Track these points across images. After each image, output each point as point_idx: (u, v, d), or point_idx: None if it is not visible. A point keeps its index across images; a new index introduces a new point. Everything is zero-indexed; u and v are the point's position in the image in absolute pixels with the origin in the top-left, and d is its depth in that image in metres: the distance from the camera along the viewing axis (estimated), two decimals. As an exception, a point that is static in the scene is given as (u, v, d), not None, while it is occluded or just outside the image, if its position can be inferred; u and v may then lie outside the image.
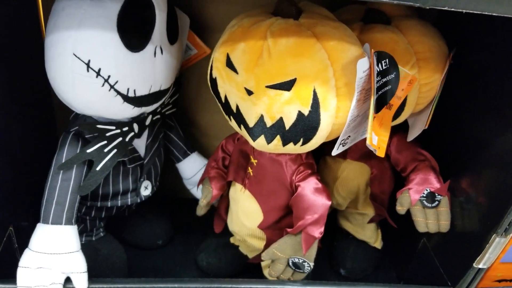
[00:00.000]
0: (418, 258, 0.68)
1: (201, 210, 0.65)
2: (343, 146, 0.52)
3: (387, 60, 0.46)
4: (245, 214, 0.62)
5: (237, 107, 0.51)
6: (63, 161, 0.53)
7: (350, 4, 0.64)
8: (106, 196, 0.60)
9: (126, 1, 0.47)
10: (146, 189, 0.64)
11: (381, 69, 0.46)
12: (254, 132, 0.50)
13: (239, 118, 0.51)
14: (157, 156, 0.65)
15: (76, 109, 0.53)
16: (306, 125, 0.47)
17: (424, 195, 0.58)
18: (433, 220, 0.59)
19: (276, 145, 0.50)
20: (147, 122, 0.59)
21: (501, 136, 0.53)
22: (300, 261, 0.56)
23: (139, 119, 0.57)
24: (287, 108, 0.47)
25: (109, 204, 0.61)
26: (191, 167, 0.71)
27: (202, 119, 0.75)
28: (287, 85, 0.46)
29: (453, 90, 0.60)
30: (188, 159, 0.70)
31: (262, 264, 0.65)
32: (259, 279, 0.59)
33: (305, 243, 0.55)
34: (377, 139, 0.48)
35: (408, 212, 0.60)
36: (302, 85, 0.45)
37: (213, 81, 0.52)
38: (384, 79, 0.47)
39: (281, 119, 0.48)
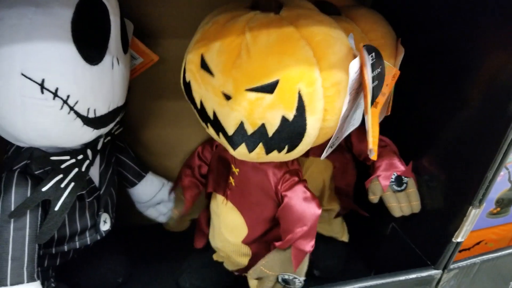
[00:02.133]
0: (389, 243, 0.69)
1: (172, 221, 0.60)
2: (331, 148, 0.49)
3: (373, 54, 0.43)
4: (228, 229, 0.57)
5: (214, 113, 0.46)
6: (12, 206, 0.44)
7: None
8: (62, 239, 0.51)
9: (78, 6, 0.40)
10: (105, 223, 0.56)
11: (370, 62, 0.43)
12: (234, 141, 0.45)
13: (217, 126, 0.46)
14: (112, 186, 0.57)
15: (24, 142, 0.44)
16: (291, 131, 0.43)
17: (393, 179, 0.59)
18: (405, 202, 0.60)
19: (259, 154, 0.46)
20: (99, 146, 0.52)
21: (456, 112, 0.54)
22: (291, 277, 0.52)
23: (92, 144, 0.50)
24: (270, 113, 0.42)
25: (65, 248, 0.52)
26: (149, 190, 0.64)
27: (147, 136, 0.68)
28: (269, 88, 0.41)
29: (405, 73, 0.61)
30: (144, 181, 0.63)
31: (249, 281, 0.60)
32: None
33: (295, 259, 0.51)
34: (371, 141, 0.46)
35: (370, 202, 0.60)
36: (285, 86, 0.41)
37: (187, 86, 0.47)
38: (372, 74, 0.44)
39: (263, 125, 0.43)
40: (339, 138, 0.50)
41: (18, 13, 0.38)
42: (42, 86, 0.39)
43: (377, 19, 0.57)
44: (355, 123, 0.48)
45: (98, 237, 0.55)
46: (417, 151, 0.61)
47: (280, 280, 0.52)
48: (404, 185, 0.59)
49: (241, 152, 0.46)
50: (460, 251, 0.71)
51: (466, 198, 0.54)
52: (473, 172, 0.53)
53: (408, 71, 0.60)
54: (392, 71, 0.47)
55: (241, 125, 0.44)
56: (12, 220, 0.44)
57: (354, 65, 0.42)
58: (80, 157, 0.47)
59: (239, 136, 0.45)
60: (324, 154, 0.49)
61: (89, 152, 0.49)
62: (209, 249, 0.64)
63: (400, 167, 0.59)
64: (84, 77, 0.41)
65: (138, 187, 0.63)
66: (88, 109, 0.43)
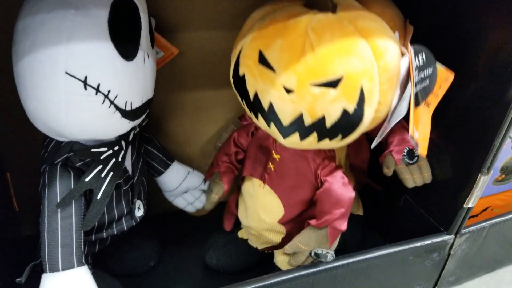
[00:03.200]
0: (403, 214, 0.72)
1: (210, 205, 0.63)
2: (380, 137, 0.52)
3: (423, 54, 0.46)
4: (265, 210, 0.60)
5: (271, 105, 0.48)
6: (58, 197, 0.47)
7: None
8: (101, 226, 0.55)
9: (113, 6, 0.43)
10: (139, 210, 0.59)
11: (418, 64, 0.46)
12: (287, 130, 0.49)
13: (272, 116, 0.49)
14: (143, 175, 0.60)
15: (65, 137, 0.47)
16: (349, 122, 0.47)
17: (405, 153, 0.62)
18: (418, 174, 0.63)
19: (311, 142, 0.49)
20: (131, 137, 0.54)
21: (463, 86, 0.57)
22: (324, 252, 0.55)
23: (125, 136, 0.53)
24: (332, 106, 0.46)
25: (104, 234, 0.55)
26: (175, 178, 0.67)
27: (168, 126, 0.71)
28: (333, 83, 0.44)
29: None
30: (170, 170, 0.66)
31: (277, 257, 0.64)
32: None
33: (331, 237, 0.55)
34: (417, 135, 0.49)
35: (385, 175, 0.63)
36: (349, 82, 0.45)
37: (240, 79, 0.49)
38: (422, 74, 0.47)
39: (323, 117, 0.47)
40: (387, 128, 0.52)
41: (58, 16, 0.41)
42: (85, 83, 0.42)
43: (386, 3, 0.60)
44: (401, 113, 0.51)
45: (133, 223, 0.59)
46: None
47: (312, 254, 0.56)
48: (416, 158, 0.62)
49: (292, 141, 0.50)
50: (468, 218, 0.75)
51: (475, 166, 0.57)
52: (481, 141, 0.56)
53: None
54: (444, 74, 0.50)
55: (300, 116, 0.47)
56: (59, 210, 0.47)
57: (404, 62, 0.46)
58: (116, 148, 0.50)
59: (294, 126, 0.48)
60: (374, 144, 0.53)
61: (123, 143, 0.52)
62: (233, 228, 0.67)
63: (411, 142, 0.62)
64: (122, 72, 0.44)
65: (165, 176, 0.66)
66: (126, 102, 0.46)
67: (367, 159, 0.71)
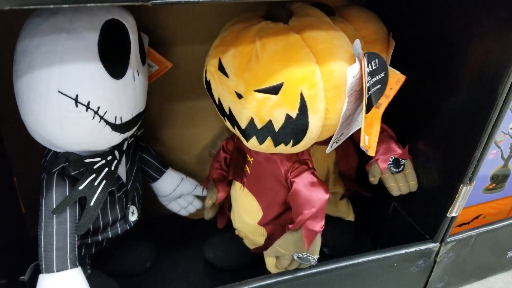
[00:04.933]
0: (392, 221, 0.74)
1: (208, 213, 0.65)
2: (336, 143, 0.54)
3: (376, 60, 0.48)
4: (246, 212, 0.63)
5: (230, 109, 0.52)
6: (54, 204, 0.51)
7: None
8: (96, 230, 0.58)
9: (103, 30, 0.46)
10: (133, 215, 0.63)
11: (371, 69, 0.47)
12: (246, 133, 0.51)
13: (232, 120, 0.52)
14: (137, 181, 0.64)
15: (62, 148, 0.51)
16: (295, 127, 0.48)
17: (390, 162, 0.63)
18: (403, 182, 0.65)
19: (268, 146, 0.52)
20: (124, 147, 0.58)
21: (447, 97, 0.58)
22: (305, 255, 0.57)
23: (118, 146, 0.56)
24: (275, 111, 0.48)
25: (100, 237, 0.59)
26: (169, 184, 0.70)
27: (165, 134, 0.74)
28: (274, 89, 0.47)
29: (398, 64, 0.65)
30: (165, 176, 0.69)
31: (266, 258, 0.67)
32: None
33: (306, 238, 0.56)
34: (368, 139, 0.50)
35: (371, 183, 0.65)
36: (289, 89, 0.46)
37: (207, 84, 0.53)
38: (374, 79, 0.48)
39: (270, 121, 0.49)
40: (345, 135, 0.54)
41: (52, 39, 0.44)
42: (76, 100, 0.45)
43: (368, 16, 0.61)
44: (359, 122, 0.53)
45: (128, 227, 0.62)
46: (413, 135, 0.65)
47: (295, 258, 0.58)
48: (402, 166, 0.64)
49: (253, 144, 0.52)
50: (460, 225, 0.76)
51: (457, 176, 0.58)
52: (462, 152, 0.57)
53: (402, 61, 0.62)
54: (396, 76, 0.51)
55: (252, 120, 0.50)
56: (54, 215, 0.50)
57: (353, 70, 0.47)
58: (109, 158, 0.54)
59: (251, 129, 0.51)
60: (329, 149, 0.54)
61: (116, 153, 0.55)
62: (230, 228, 0.70)
63: (397, 150, 0.64)
64: (111, 90, 0.47)
65: (159, 182, 0.69)
66: (116, 117, 0.49)
67: (355, 166, 0.73)
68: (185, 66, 0.67)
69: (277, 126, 0.49)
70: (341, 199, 0.75)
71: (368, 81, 0.48)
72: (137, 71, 0.51)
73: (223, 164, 0.66)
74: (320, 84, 0.47)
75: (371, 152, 0.52)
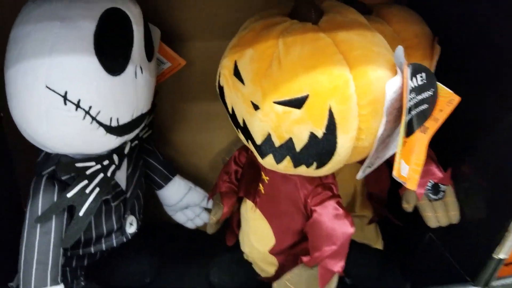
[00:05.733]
0: (426, 254, 0.66)
1: (211, 228, 0.60)
2: (369, 168, 0.47)
3: (423, 74, 0.40)
4: (256, 236, 0.56)
5: (244, 121, 0.45)
6: (39, 211, 0.46)
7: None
8: (88, 241, 0.53)
9: (102, 18, 0.41)
10: (131, 226, 0.57)
11: (416, 84, 0.40)
12: (262, 150, 0.45)
13: (246, 133, 0.46)
14: (139, 188, 0.58)
15: (50, 149, 0.45)
16: (320, 148, 0.41)
17: (429, 187, 0.56)
18: (442, 212, 0.57)
19: (286, 166, 0.44)
20: (126, 150, 0.52)
21: (501, 114, 0.51)
22: None
23: (118, 149, 0.50)
24: (298, 128, 0.41)
25: (92, 250, 0.54)
26: (175, 193, 0.64)
27: (178, 138, 0.69)
28: (297, 102, 0.39)
29: (443, 74, 0.58)
30: (171, 184, 0.63)
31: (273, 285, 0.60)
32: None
33: (322, 279, 0.49)
34: (407, 169, 0.43)
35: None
36: (315, 102, 0.39)
37: (221, 90, 0.47)
38: (420, 97, 0.41)
39: (290, 139, 0.42)
40: (380, 159, 0.47)
41: (44, 28, 0.39)
42: (65, 97, 0.40)
43: (410, 17, 0.55)
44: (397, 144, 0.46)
45: (124, 239, 0.57)
46: (457, 156, 0.58)
47: None
48: (442, 193, 0.57)
49: (269, 162, 0.45)
50: (506, 264, 0.68)
51: (509, 210, 0.51)
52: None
53: (448, 71, 0.57)
54: (448, 96, 0.43)
55: (269, 136, 0.43)
56: (38, 224, 0.45)
57: (393, 84, 0.39)
58: (105, 162, 0.48)
59: (267, 146, 0.44)
60: (360, 174, 0.47)
61: (115, 157, 0.50)
62: (239, 247, 0.64)
63: (437, 173, 0.56)
64: (106, 87, 0.42)
65: (165, 190, 0.64)
66: (111, 118, 0.43)
67: (387, 188, 0.65)
68: (201, 64, 0.62)
69: (298, 145, 0.42)
70: (369, 223, 0.68)
71: (410, 99, 0.40)
72: (141, 68, 0.46)
73: (233, 177, 0.59)
74: (353, 98, 0.39)
75: (411, 185, 0.44)
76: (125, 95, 0.44)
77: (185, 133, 0.68)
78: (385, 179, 0.64)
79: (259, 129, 0.43)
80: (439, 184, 0.56)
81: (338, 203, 0.50)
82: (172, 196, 0.64)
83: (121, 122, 0.45)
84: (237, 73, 0.43)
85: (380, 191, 0.65)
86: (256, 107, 0.42)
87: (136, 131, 0.50)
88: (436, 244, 0.63)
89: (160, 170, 0.62)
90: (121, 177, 0.54)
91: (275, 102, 0.40)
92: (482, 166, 0.55)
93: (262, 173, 0.53)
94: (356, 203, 0.67)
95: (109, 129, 0.44)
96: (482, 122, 0.54)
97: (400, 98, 0.40)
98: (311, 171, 0.44)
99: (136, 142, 0.55)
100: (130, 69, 0.43)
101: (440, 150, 0.58)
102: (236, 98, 0.44)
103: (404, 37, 0.52)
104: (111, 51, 0.41)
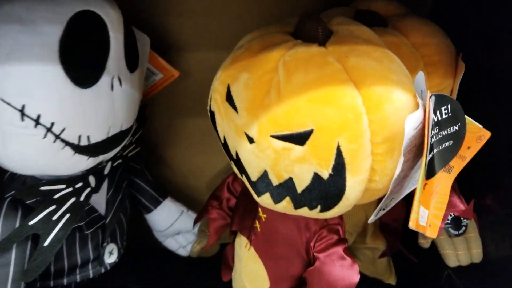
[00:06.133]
0: (443, 294, 0.60)
1: (194, 254, 0.55)
2: (383, 210, 0.41)
3: (448, 106, 0.35)
4: (249, 278, 0.50)
5: (237, 154, 0.39)
6: (-1, 240, 0.40)
7: (334, 7, 0.54)
8: (60, 272, 0.47)
9: (70, 22, 0.35)
10: (111, 255, 0.51)
11: (439, 118, 0.35)
12: (258, 188, 0.39)
13: (240, 168, 0.40)
14: (121, 212, 0.52)
15: (11, 169, 0.40)
16: (326, 191, 0.36)
17: (449, 221, 0.52)
18: (463, 250, 0.52)
19: (286, 207, 0.39)
20: (106, 171, 0.47)
21: None
22: None
23: (96, 170, 0.45)
24: (299, 167, 0.35)
25: (65, 281, 0.48)
26: (166, 218, 0.58)
27: (172, 156, 0.63)
28: (299, 138, 0.34)
29: (466, 93, 0.53)
30: (161, 208, 0.58)
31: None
32: None
33: None
34: (427, 215, 0.37)
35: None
36: (321, 139, 0.34)
37: (212, 115, 0.41)
38: (444, 132, 0.36)
39: (290, 179, 0.36)
40: (395, 199, 0.41)
41: (1, 31, 0.34)
42: (22, 112, 0.35)
43: (431, 30, 0.49)
44: (415, 183, 0.39)
45: (102, 270, 0.51)
46: (481, 186, 0.53)
47: None
48: (463, 228, 0.52)
49: (265, 201, 0.39)
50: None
51: None
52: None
53: (471, 90, 0.52)
54: (478, 132, 0.38)
55: (265, 173, 0.37)
56: (-4, 255, 0.40)
57: (413, 120, 0.33)
58: (78, 185, 0.43)
59: (263, 184, 0.38)
60: (373, 218, 0.41)
61: (91, 179, 0.44)
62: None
63: (459, 205, 0.52)
64: (73, 102, 0.36)
65: (154, 214, 0.58)
66: (80, 136, 0.38)
67: (402, 218, 0.59)
68: (197, 76, 0.57)
69: (300, 186, 0.36)
70: (380, 257, 0.62)
71: (432, 135, 0.35)
72: (119, 79, 0.40)
73: (224, 205, 0.53)
74: (366, 135, 0.34)
75: (431, 233, 0.38)
76: (98, 110, 0.38)
77: (180, 151, 0.63)
78: (400, 209, 0.58)
79: (254, 165, 0.37)
80: (461, 218, 0.52)
81: (345, 251, 0.44)
82: (162, 220, 0.59)
83: (93, 141, 0.39)
84: (230, 99, 0.37)
85: (394, 221, 0.60)
86: (251, 140, 0.36)
87: (116, 150, 0.44)
88: (455, 283, 0.58)
89: (149, 192, 0.57)
90: (100, 200, 0.48)
91: (273, 136, 0.34)
92: (509, 197, 0.50)
93: (259, 209, 0.47)
94: (367, 234, 0.61)
95: (78, 149, 0.38)
96: (509, 147, 0.49)
97: (420, 134, 0.34)
98: (314, 214, 0.38)
99: (120, 161, 0.49)
100: (104, 80, 0.38)
101: (462, 178, 0.50)
102: (229, 128, 0.38)
103: (424, 53, 0.47)
104: (80, 60, 0.36)
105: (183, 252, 0.61)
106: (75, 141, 0.38)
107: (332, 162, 0.34)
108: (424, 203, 0.36)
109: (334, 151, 0.33)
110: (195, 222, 0.55)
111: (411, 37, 0.47)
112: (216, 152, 0.63)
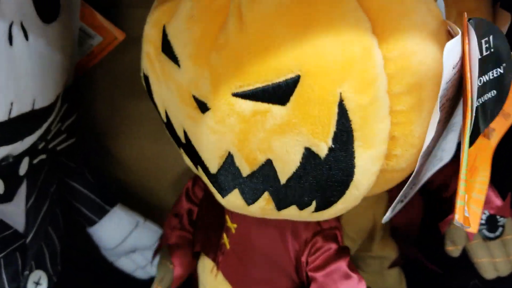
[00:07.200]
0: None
1: None
2: (401, 203, 0.32)
3: (491, 39, 0.24)
4: None
5: (185, 133, 0.28)
6: None
7: None
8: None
9: None
10: (38, 286, 0.39)
11: (483, 54, 0.25)
12: (220, 183, 0.28)
13: (193, 156, 0.29)
14: (51, 225, 0.41)
15: None
16: (324, 177, 0.25)
17: (483, 221, 0.45)
18: (502, 257, 0.45)
19: (264, 209, 0.28)
20: (22, 170, 0.35)
21: None
22: None
23: (4, 169, 0.33)
24: (281, 142, 0.24)
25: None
26: (115, 231, 0.47)
27: (120, 147, 0.52)
28: (278, 93, 0.23)
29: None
30: (108, 218, 0.46)
31: None
32: None
33: None
34: (466, 197, 0.27)
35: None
36: (313, 90, 0.23)
37: (146, 81, 0.30)
38: (485, 77, 0.26)
39: (268, 163, 0.26)
40: (416, 186, 0.31)
41: None
42: None
43: None
44: (444, 155, 0.30)
45: (28, 304, 0.39)
46: None
47: None
48: (500, 229, 0.45)
49: (233, 203, 0.29)
50: None
51: None
52: None
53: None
54: None
55: (229, 158, 0.26)
56: None
57: (454, 51, 0.23)
58: (-26, 192, 0.30)
59: (228, 176, 0.27)
60: (389, 215, 0.31)
61: (-2, 182, 0.32)
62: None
63: (495, 201, 0.44)
64: None
65: (99, 227, 0.46)
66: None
67: (418, 221, 0.52)
68: None
69: (284, 173, 0.26)
70: (390, 267, 0.54)
71: (475, 80, 0.25)
72: (23, 29, 0.28)
73: (185, 220, 0.42)
74: (381, 81, 0.23)
75: (473, 226, 0.34)
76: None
77: (131, 143, 0.52)
78: (416, 209, 0.52)
79: (211, 147, 0.26)
80: (497, 216, 0.45)
81: (349, 265, 0.35)
82: (110, 235, 0.47)
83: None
84: (167, 47, 0.26)
85: (407, 224, 0.52)
86: (203, 107, 0.25)
87: (29, 140, 0.32)
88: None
89: (90, 198, 0.46)
90: (17, 212, 0.37)
91: (236, 95, 0.24)
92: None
93: (227, 217, 0.36)
94: (375, 240, 0.52)
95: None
96: None
97: (457, 79, 0.25)
98: (306, 215, 0.28)
99: (43, 156, 0.38)
100: None
101: (499, 169, 0.44)
102: (169, 93, 0.27)
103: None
104: None
105: (142, 274, 0.51)
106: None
107: (332, 128, 0.23)
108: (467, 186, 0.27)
109: (335, 109, 0.22)
110: (155, 253, 0.44)
111: None
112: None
